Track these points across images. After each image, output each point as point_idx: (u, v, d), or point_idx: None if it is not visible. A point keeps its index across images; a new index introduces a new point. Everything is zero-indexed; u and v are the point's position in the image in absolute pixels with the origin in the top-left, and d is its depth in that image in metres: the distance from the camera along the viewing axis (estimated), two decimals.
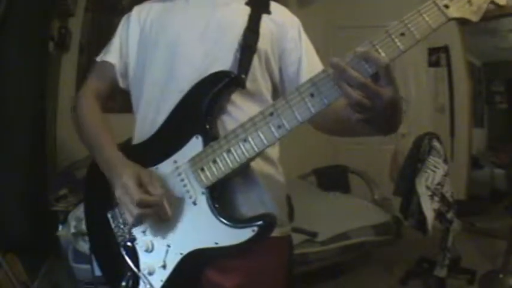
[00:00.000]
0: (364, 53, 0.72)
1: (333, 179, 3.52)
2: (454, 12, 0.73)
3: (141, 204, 0.83)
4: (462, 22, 0.76)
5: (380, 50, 0.73)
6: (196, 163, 0.87)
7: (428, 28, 0.73)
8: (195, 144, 0.89)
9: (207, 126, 0.89)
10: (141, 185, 0.85)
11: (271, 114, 0.81)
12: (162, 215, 0.87)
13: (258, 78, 0.97)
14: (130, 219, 0.88)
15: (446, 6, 0.73)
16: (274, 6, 1.03)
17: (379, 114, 0.73)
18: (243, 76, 0.92)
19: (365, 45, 0.74)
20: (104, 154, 0.95)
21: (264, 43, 0.97)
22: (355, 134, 0.93)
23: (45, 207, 2.37)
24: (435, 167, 2.53)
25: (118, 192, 0.87)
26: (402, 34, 0.73)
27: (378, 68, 0.71)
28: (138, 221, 0.89)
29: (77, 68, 3.19)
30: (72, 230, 2.09)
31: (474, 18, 0.75)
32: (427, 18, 0.73)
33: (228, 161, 0.84)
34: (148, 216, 0.88)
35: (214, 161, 0.85)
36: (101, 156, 0.96)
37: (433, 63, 3.99)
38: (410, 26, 0.73)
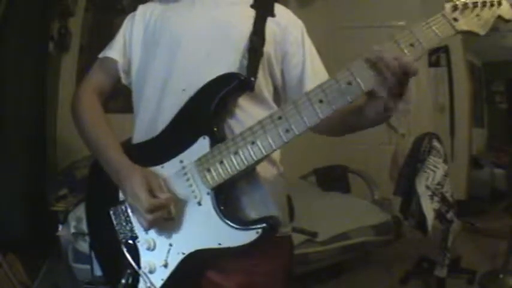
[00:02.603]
0: (398, 58, 0.72)
1: (333, 179, 3.52)
2: (462, 25, 0.76)
3: (151, 210, 0.85)
4: (468, 34, 0.78)
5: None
6: (203, 164, 0.88)
7: (436, 39, 0.76)
8: (202, 145, 0.89)
9: (215, 128, 0.90)
10: (150, 189, 0.87)
11: (280, 118, 0.82)
12: (165, 215, 0.88)
13: (260, 80, 0.98)
14: (144, 224, 0.89)
15: (455, 20, 0.75)
16: (278, 8, 1.04)
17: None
18: (253, 79, 0.92)
19: (373, 53, 0.75)
20: (108, 156, 0.95)
21: (267, 46, 0.97)
22: (351, 132, 0.97)
23: (45, 207, 2.37)
24: (435, 167, 2.53)
25: (129, 200, 0.90)
26: (411, 45, 0.75)
27: (410, 72, 0.72)
28: (152, 225, 0.90)
29: (77, 68, 3.19)
30: (72, 230, 2.09)
31: (481, 31, 0.78)
32: (436, 31, 0.75)
33: (235, 163, 0.85)
34: (159, 219, 0.89)
35: (221, 162, 0.86)
36: (105, 158, 0.96)
37: (433, 63, 3.99)
38: (419, 36, 0.75)
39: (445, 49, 3.88)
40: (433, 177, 2.51)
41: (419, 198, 2.49)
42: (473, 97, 4.00)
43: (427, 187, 2.50)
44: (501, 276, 2.59)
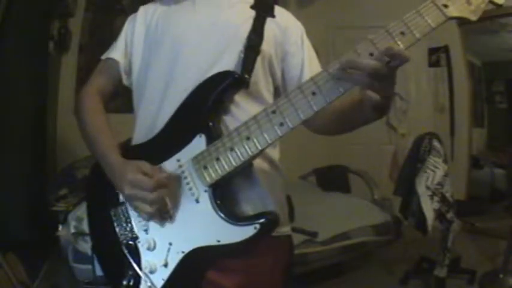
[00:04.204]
0: (388, 49, 0.72)
1: (333, 179, 3.52)
2: (453, 11, 0.74)
3: (156, 187, 0.85)
4: (461, 22, 0.77)
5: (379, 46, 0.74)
6: (200, 161, 0.88)
7: (427, 27, 0.74)
8: (198, 143, 0.89)
9: (210, 125, 0.90)
10: (145, 173, 0.87)
11: (274, 112, 0.81)
12: (162, 208, 0.89)
13: (260, 79, 0.98)
14: (147, 210, 0.87)
15: (446, 6, 0.74)
16: (278, 10, 1.04)
17: (389, 95, 0.77)
18: (247, 76, 0.93)
19: (365, 43, 0.75)
20: (106, 159, 0.96)
21: (268, 46, 0.98)
22: (351, 129, 0.96)
23: (45, 207, 2.37)
24: (435, 167, 2.53)
25: (127, 190, 0.87)
26: (402, 33, 0.74)
27: (402, 61, 0.72)
28: (156, 211, 0.89)
29: (77, 68, 3.19)
30: (72, 230, 2.09)
31: (473, 17, 0.76)
32: (426, 18, 0.74)
33: (231, 159, 0.85)
34: (162, 201, 0.88)
35: (218, 159, 0.86)
36: (103, 160, 0.97)
37: (433, 63, 3.98)
38: (410, 25, 0.74)
39: (445, 49, 3.88)
40: (433, 177, 2.51)
41: (419, 198, 2.50)
42: (473, 97, 3.99)
43: (427, 187, 2.50)
44: (501, 276, 2.59)
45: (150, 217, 0.90)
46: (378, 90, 0.75)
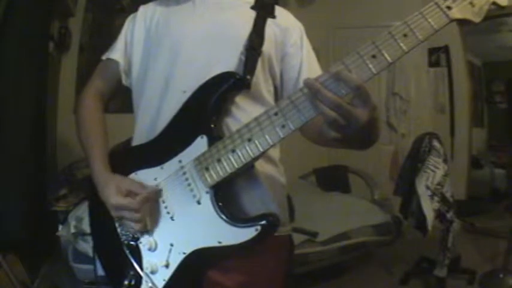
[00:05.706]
0: (336, 74, 0.72)
1: (333, 179, 3.52)
2: (456, 13, 0.74)
3: (139, 208, 0.89)
4: (462, 23, 0.77)
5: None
6: (201, 163, 0.88)
7: (430, 29, 0.74)
8: (200, 144, 0.89)
9: (212, 126, 0.90)
10: (125, 193, 0.91)
11: (276, 114, 0.81)
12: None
13: (260, 80, 0.98)
14: (137, 227, 0.92)
15: (449, 8, 0.74)
16: (278, 10, 1.04)
17: (354, 133, 0.74)
18: (248, 78, 0.93)
19: (368, 45, 0.74)
20: (92, 167, 1.00)
21: (268, 47, 0.98)
22: (333, 147, 0.94)
23: (45, 207, 2.37)
24: (435, 167, 2.53)
25: (113, 213, 0.94)
26: (405, 35, 0.74)
27: (350, 89, 0.72)
28: (145, 224, 0.93)
29: (77, 68, 3.19)
30: (72, 230, 2.09)
31: (476, 19, 0.76)
32: (429, 20, 0.73)
33: (233, 161, 0.85)
34: (150, 212, 0.92)
35: (219, 161, 0.86)
36: (91, 167, 1.01)
37: (433, 63, 3.99)
38: (413, 27, 0.73)
39: (445, 49, 3.88)
40: (433, 177, 2.51)
41: (419, 198, 2.50)
42: (473, 97, 4.00)
43: (427, 187, 2.50)
44: (501, 276, 2.59)
45: (141, 232, 0.94)
46: (338, 129, 0.74)
